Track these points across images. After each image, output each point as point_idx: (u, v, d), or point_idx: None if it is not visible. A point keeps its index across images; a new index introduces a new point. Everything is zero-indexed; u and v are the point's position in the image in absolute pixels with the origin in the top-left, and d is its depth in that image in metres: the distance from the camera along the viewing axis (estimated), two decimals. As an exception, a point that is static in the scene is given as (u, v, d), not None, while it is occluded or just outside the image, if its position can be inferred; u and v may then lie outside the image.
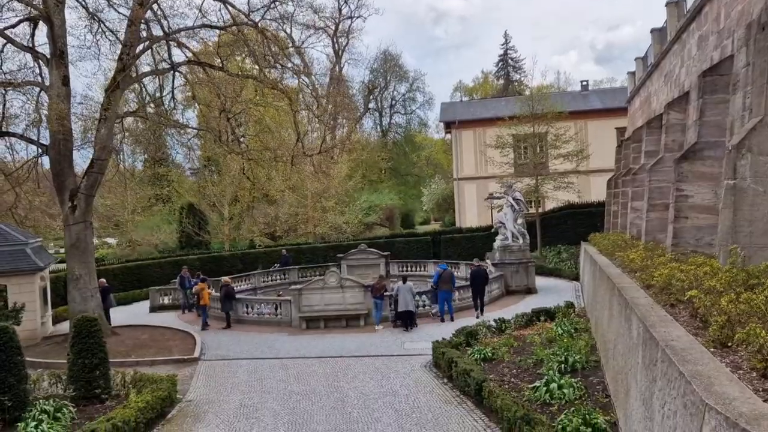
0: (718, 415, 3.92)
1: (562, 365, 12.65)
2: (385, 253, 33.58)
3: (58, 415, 11.18)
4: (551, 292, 26.34)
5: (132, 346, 19.36)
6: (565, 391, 10.87)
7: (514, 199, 27.27)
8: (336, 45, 73.48)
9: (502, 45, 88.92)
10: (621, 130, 47.19)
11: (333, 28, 72.19)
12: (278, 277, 33.16)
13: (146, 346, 19.39)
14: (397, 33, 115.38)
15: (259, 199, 48.30)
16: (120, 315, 25.17)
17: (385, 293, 21.46)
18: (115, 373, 13.66)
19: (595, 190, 42.02)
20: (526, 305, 22.78)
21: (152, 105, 22.43)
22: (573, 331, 16.43)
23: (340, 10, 71.37)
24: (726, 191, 9.64)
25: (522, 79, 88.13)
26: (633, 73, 34.21)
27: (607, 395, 10.85)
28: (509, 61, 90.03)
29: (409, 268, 34.32)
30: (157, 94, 23.61)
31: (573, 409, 9.60)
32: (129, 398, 11.85)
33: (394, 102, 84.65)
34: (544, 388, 11.03)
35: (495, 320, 18.79)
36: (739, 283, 7.15)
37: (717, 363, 5.21)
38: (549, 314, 19.60)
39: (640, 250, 14.11)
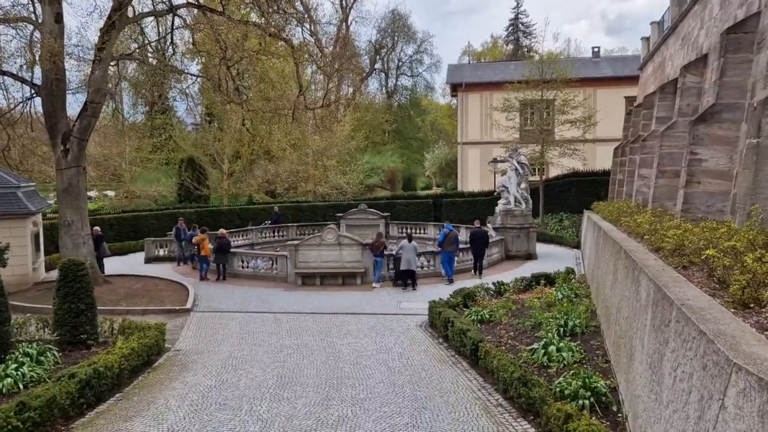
0: (748, 376, 3.48)
1: (562, 329, 12.29)
2: (385, 214, 33.14)
3: (41, 358, 10.85)
4: (551, 259, 25.96)
5: (124, 295, 19.05)
6: (564, 354, 10.51)
7: (518, 162, 26.67)
8: (343, 1, 71.89)
9: (513, 9, 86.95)
10: (630, 100, 46.28)
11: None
12: (276, 233, 32.79)
13: (138, 296, 19.08)
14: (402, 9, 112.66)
15: (260, 156, 47.66)
16: (114, 265, 24.87)
17: (384, 251, 21.10)
18: (104, 320, 13.34)
19: (600, 160, 41.29)
20: (525, 270, 22.42)
21: (151, 49, 21.62)
22: (573, 296, 16.09)
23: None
24: (747, 150, 9.09)
25: (532, 44, 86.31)
26: (647, 39, 33.19)
27: (606, 360, 10.50)
28: (520, 26, 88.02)
29: (409, 230, 33.90)
30: (157, 40, 22.84)
31: (572, 372, 9.24)
32: (115, 345, 11.52)
33: (400, 63, 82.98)
34: (543, 351, 10.67)
35: (494, 283, 18.43)
36: (760, 244, 6.66)
37: (741, 323, 4.76)
38: (549, 279, 19.24)
39: (648, 215, 13.61)
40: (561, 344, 10.83)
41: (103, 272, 22.13)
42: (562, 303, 15.11)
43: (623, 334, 9.15)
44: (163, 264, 26.29)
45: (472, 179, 49.26)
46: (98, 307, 15.54)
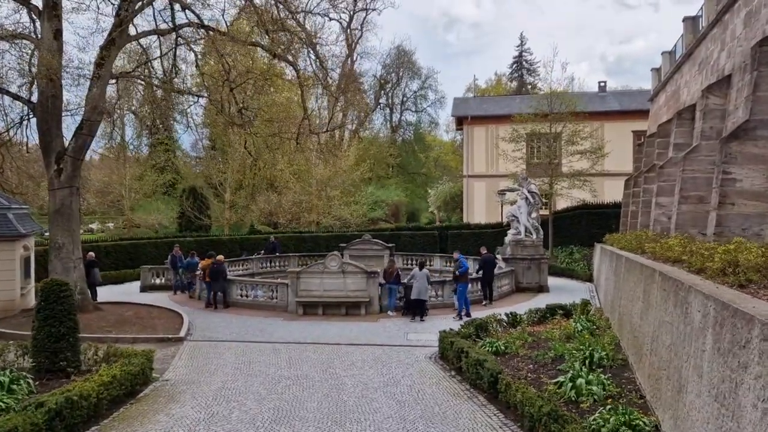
0: None
1: (587, 361, 11.21)
2: (390, 245, 32.14)
3: (14, 387, 9.78)
4: (564, 292, 24.87)
5: (114, 323, 17.98)
6: (594, 388, 9.41)
7: (529, 191, 25.79)
8: (349, 38, 72.30)
9: (517, 47, 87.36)
10: (638, 134, 45.86)
11: (347, 20, 71.26)
12: (277, 263, 31.77)
13: (129, 323, 18.00)
14: (410, 36, 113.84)
15: (264, 187, 47.04)
16: (108, 293, 23.86)
17: (399, 279, 20.07)
18: (88, 347, 12.28)
19: (609, 193, 40.43)
20: (537, 303, 21.34)
21: (152, 69, 21.03)
22: (594, 328, 15.01)
23: (355, 1, 70.36)
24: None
25: (536, 81, 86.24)
26: (657, 70, 32.70)
27: (641, 396, 9.40)
28: (524, 63, 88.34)
29: (415, 262, 32.86)
30: (159, 61, 22.28)
31: (608, 407, 8.15)
32: (96, 373, 10.45)
33: (405, 99, 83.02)
34: (570, 384, 9.58)
35: (506, 314, 17.33)
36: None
37: None
38: (565, 311, 18.15)
39: (678, 239, 12.64)
40: (590, 377, 9.74)
41: (95, 299, 21.14)
42: (582, 335, 14.02)
43: (665, 364, 8.10)
44: (160, 292, 25.21)
45: (478, 212, 48.45)
46: (86, 335, 14.60)
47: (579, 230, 35.66)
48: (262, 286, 21.82)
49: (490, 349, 13.37)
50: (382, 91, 79.80)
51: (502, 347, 13.49)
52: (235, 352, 14.46)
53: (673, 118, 22.84)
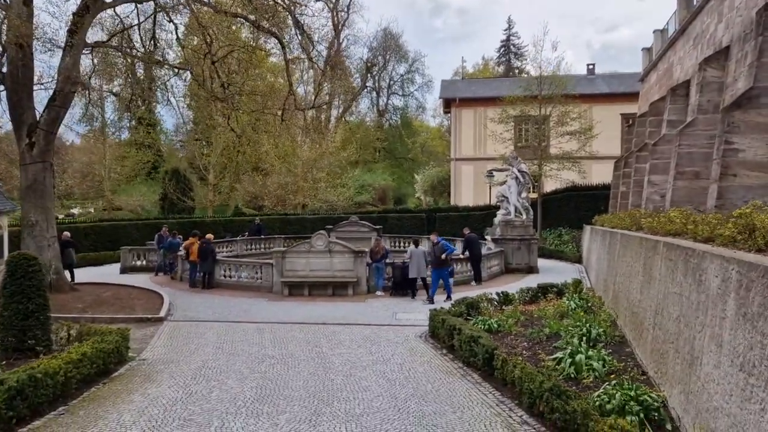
0: None
1: (584, 338, 10.75)
2: (378, 227, 31.64)
3: (-23, 366, 9.14)
4: (554, 273, 24.48)
5: (91, 303, 17.29)
6: (595, 364, 8.94)
7: (519, 170, 25.30)
8: (336, 18, 71.05)
9: (505, 30, 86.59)
10: (626, 116, 45.66)
11: (333, 1, 70.03)
12: (262, 245, 31.12)
13: (107, 304, 17.32)
14: (396, 18, 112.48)
15: (249, 170, 46.15)
16: (86, 275, 23.16)
17: (385, 258, 19.53)
18: (60, 326, 11.62)
19: (597, 176, 40.10)
20: (527, 283, 20.89)
21: (130, 40, 20.10)
22: (587, 306, 14.59)
23: (342, -19, 68.95)
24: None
25: (524, 66, 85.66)
26: (648, 49, 32.24)
27: (642, 372, 8.96)
28: (511, 47, 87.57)
29: (403, 244, 32.40)
30: (138, 34, 21.37)
31: (614, 382, 7.68)
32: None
33: (392, 82, 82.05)
34: (569, 360, 9.11)
35: (497, 293, 16.83)
36: None
37: None
38: (557, 290, 17.72)
39: (677, 212, 12.18)
40: (590, 352, 9.28)
41: (73, 280, 20.43)
42: (576, 312, 13.61)
43: (671, 338, 7.63)
44: (141, 274, 24.49)
45: (466, 195, 48.00)
46: (60, 315, 13.92)
47: (567, 212, 35.33)
48: (247, 266, 21.18)
49: (483, 326, 12.87)
50: (369, 75, 78.75)
51: (495, 325, 13.01)
52: (217, 332, 13.87)
53: (666, 96, 22.42)
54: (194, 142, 52.24)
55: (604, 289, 16.97)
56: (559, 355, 9.53)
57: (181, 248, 22.44)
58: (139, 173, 51.87)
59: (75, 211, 58.47)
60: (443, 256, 18.47)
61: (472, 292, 18.75)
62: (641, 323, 9.96)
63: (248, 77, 22.32)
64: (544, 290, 17.83)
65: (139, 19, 19.13)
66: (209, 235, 21.22)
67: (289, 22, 21.35)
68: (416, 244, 19.29)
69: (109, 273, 24.76)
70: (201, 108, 48.69)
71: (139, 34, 21.58)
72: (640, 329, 10.06)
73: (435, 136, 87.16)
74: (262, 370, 10.37)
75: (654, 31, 29.85)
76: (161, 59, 20.22)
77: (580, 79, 50.71)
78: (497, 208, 35.23)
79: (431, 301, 17.73)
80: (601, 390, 7.48)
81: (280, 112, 22.32)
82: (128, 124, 61.16)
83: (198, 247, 20.62)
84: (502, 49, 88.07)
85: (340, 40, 72.41)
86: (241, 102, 21.59)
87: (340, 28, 71.58)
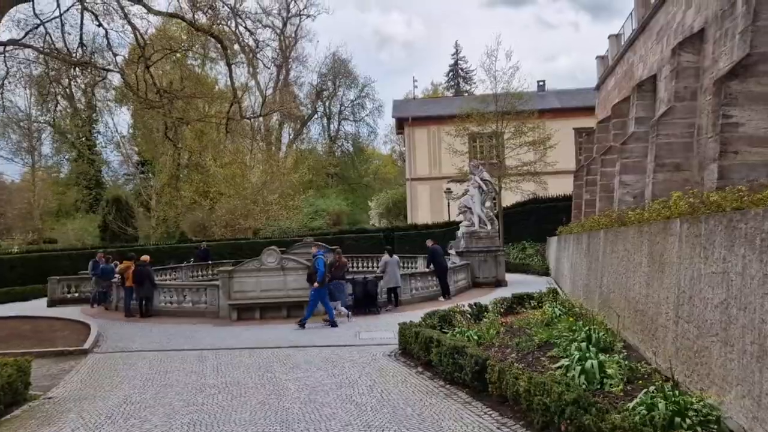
0: None
1: (584, 344, 9.15)
2: (333, 247, 29.68)
3: None
4: (522, 285, 23.02)
5: (4, 337, 14.79)
6: (610, 370, 7.33)
7: (481, 179, 23.96)
8: (283, 43, 69.61)
9: (453, 55, 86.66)
10: (579, 131, 45.46)
11: (280, 26, 68.72)
12: (210, 272, 28.75)
13: (24, 338, 14.87)
14: (345, 42, 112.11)
15: (197, 200, 43.78)
16: (8, 310, 20.49)
17: (347, 273, 17.66)
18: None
19: (554, 191, 39.37)
20: (497, 296, 19.41)
21: (48, 37, 17.92)
22: (576, 312, 13.10)
23: (288, 7, 67.77)
24: None
25: (473, 90, 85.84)
26: (602, 57, 31.87)
27: (666, 378, 7.39)
28: (459, 71, 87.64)
29: (361, 264, 30.59)
30: (62, 35, 19.21)
31: (652, 388, 6.05)
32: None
33: (343, 108, 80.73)
34: (578, 367, 7.45)
35: (470, 305, 15.15)
36: None
37: None
38: (535, 300, 16.27)
39: (678, 194, 10.83)
40: (602, 357, 7.66)
41: (-14, 315, 17.81)
42: (564, 319, 12.06)
43: (715, 329, 6.09)
44: (72, 307, 21.78)
45: (423, 215, 46.67)
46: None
47: (529, 225, 34.30)
48: (190, 289, 18.94)
49: (462, 338, 11.22)
50: (319, 100, 77.32)
51: (475, 337, 11.34)
52: (150, 362, 11.72)
53: (630, 96, 21.60)
54: (140, 176, 49.73)
55: (585, 294, 15.54)
56: (564, 362, 7.88)
57: (115, 274, 20.04)
58: (79, 208, 48.74)
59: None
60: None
61: (442, 306, 17.12)
62: (653, 321, 8.44)
63: (188, 83, 20.40)
64: (519, 300, 16.38)
65: (60, 12, 16.94)
66: (145, 257, 18.91)
67: (232, 26, 19.64)
68: (390, 254, 17.75)
69: (35, 307, 21.98)
70: (145, 137, 46.39)
71: (64, 39, 19.41)
72: (651, 328, 8.53)
73: (387, 162, 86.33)
74: (199, 402, 8.34)
75: (609, 37, 29.41)
76: (87, 61, 18.08)
77: (531, 95, 50.44)
78: (457, 225, 33.94)
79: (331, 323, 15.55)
80: (638, 399, 5.82)
81: (224, 122, 20.39)
82: (67, 157, 57.99)
83: (133, 271, 18.33)
84: (451, 73, 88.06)
85: (288, 66, 71.05)
86: (180, 110, 19.60)
87: (288, 53, 70.27)
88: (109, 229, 40.40)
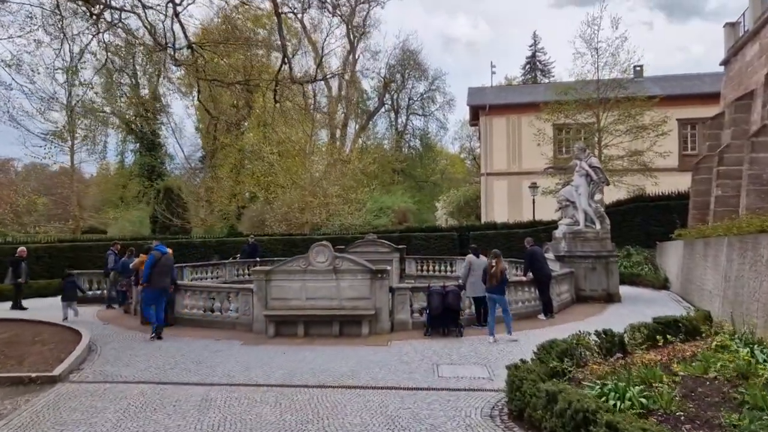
0: None
1: None
2: (401, 247, 25.44)
3: None
4: (641, 302, 18.09)
5: (-34, 351, 11.24)
6: None
7: (590, 165, 18.94)
8: (351, 34, 65.96)
9: (531, 47, 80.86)
10: (684, 122, 39.75)
11: (348, 14, 65.20)
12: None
13: (-9, 352, 11.26)
14: (416, 30, 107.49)
15: (257, 194, 40.72)
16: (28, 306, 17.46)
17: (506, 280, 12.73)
18: None
19: (652, 190, 33.56)
20: (615, 317, 14.61)
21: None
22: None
23: (356, -6, 64.13)
24: None
25: (551, 82, 79.79)
26: (732, 24, 26.06)
27: None
28: (537, 63, 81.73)
29: (430, 267, 26.16)
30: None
31: None
32: None
33: (411, 101, 76.24)
34: None
35: (597, 332, 10.39)
36: None
37: None
38: (685, 327, 11.40)
39: None
40: None
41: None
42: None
43: None
44: (90, 307, 18.39)
45: (499, 213, 41.78)
46: None
47: (633, 228, 28.76)
48: (218, 292, 14.99)
49: (615, 398, 6.64)
50: (387, 93, 73.19)
51: (642, 400, 6.73)
52: (129, 405, 7.74)
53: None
54: (201, 168, 47.50)
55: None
56: None
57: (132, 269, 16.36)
58: (141, 200, 46.76)
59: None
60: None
61: (544, 330, 12.56)
62: None
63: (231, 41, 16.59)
64: (664, 328, 11.39)
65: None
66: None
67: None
68: (476, 254, 13.31)
69: (47, 306, 18.59)
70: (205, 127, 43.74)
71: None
72: None
73: (455, 161, 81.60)
74: None
75: (725, 26, 23.89)
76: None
77: (629, 82, 44.61)
78: (544, 225, 28.94)
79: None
80: None
81: (273, 86, 16.39)
82: (132, 148, 56.51)
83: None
84: (528, 66, 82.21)
85: (356, 57, 67.34)
86: (213, 71, 15.74)
87: (356, 43, 66.59)
88: (159, 221, 37.68)
